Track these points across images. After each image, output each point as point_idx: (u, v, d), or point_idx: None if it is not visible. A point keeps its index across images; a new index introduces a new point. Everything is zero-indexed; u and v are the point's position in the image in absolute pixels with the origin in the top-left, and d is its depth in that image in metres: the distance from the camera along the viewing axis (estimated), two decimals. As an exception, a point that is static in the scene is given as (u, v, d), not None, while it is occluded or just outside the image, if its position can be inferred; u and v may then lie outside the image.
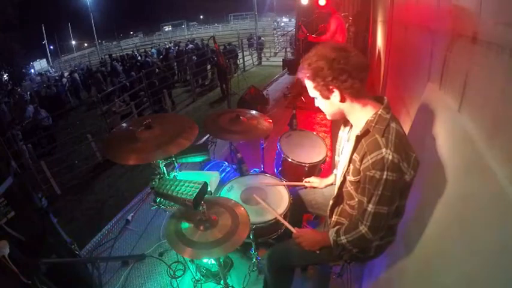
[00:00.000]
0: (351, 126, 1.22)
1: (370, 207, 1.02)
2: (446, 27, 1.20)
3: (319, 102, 1.13)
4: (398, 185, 0.98)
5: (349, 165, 1.12)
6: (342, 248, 1.16)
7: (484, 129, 0.85)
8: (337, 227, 1.19)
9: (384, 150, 0.95)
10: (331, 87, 1.02)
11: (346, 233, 1.13)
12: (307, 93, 1.13)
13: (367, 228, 1.05)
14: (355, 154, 1.08)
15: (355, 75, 0.99)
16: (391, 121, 1.01)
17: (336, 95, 1.03)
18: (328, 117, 1.18)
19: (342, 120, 1.26)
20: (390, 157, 0.94)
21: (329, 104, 1.09)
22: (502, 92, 0.77)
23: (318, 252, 1.26)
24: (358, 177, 1.07)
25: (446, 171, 1.04)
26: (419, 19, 1.73)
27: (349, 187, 1.16)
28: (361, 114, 1.07)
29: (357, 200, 1.14)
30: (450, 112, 1.10)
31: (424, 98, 1.40)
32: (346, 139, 1.26)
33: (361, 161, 1.03)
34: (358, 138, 1.06)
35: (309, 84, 1.08)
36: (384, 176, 0.95)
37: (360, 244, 1.13)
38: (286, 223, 1.40)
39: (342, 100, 1.05)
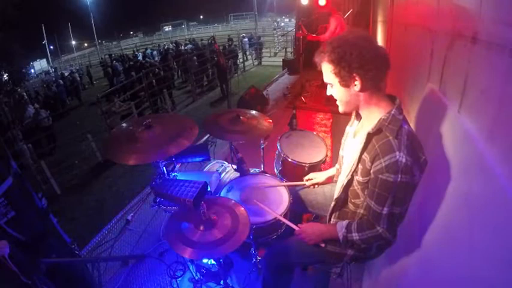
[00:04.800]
0: (359, 120, 1.19)
1: (385, 210, 1.01)
2: (446, 27, 1.20)
3: (336, 89, 1.06)
4: (410, 186, 0.98)
5: (357, 165, 1.09)
6: (351, 243, 1.15)
7: (484, 129, 0.85)
8: (346, 222, 1.15)
9: (397, 153, 0.94)
10: (354, 74, 0.97)
11: (360, 230, 1.10)
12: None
13: (385, 229, 1.04)
14: (365, 154, 1.05)
15: (381, 67, 0.98)
16: (404, 122, 1.00)
17: (357, 83, 0.99)
18: (341, 108, 1.12)
19: (350, 112, 1.21)
20: (404, 160, 0.93)
21: (346, 93, 1.04)
22: (502, 92, 0.77)
23: (323, 245, 1.24)
24: (367, 178, 1.05)
25: (446, 171, 1.04)
26: (419, 19, 1.73)
27: (356, 186, 1.14)
28: (374, 110, 1.05)
29: (362, 199, 1.13)
30: (450, 112, 1.10)
31: (424, 98, 1.40)
32: (352, 134, 1.23)
33: (372, 162, 1.01)
34: (370, 136, 1.03)
35: (329, 68, 1.03)
36: (398, 179, 0.95)
37: (374, 242, 1.11)
38: (287, 222, 1.39)
39: (362, 90, 1.01)
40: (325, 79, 1.08)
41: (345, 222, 1.16)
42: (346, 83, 1.01)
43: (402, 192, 0.98)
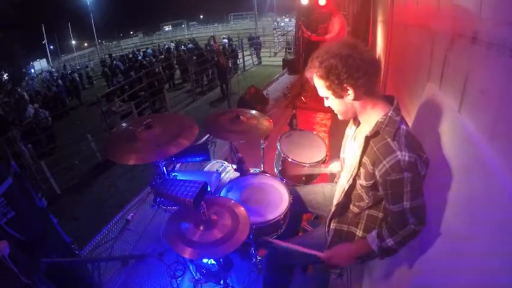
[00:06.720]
0: (358, 124, 1.19)
1: (406, 205, 0.98)
2: (446, 27, 1.20)
3: (331, 101, 1.08)
4: (419, 178, 0.97)
5: (359, 169, 1.08)
6: (387, 250, 1.09)
7: (484, 129, 0.85)
8: (375, 231, 1.11)
9: (398, 152, 0.94)
10: (345, 85, 0.98)
11: (392, 234, 1.06)
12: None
13: (415, 223, 1.01)
14: (364, 157, 1.05)
15: (370, 72, 0.97)
16: (401, 123, 1.00)
17: (350, 93, 1.00)
18: (340, 117, 1.14)
19: (350, 119, 1.23)
20: (407, 158, 0.93)
21: (342, 103, 1.06)
22: (502, 92, 0.77)
23: (359, 261, 1.22)
24: (371, 181, 1.05)
25: (446, 171, 1.04)
26: (419, 19, 1.73)
27: (359, 190, 1.13)
28: (371, 113, 1.05)
29: (367, 201, 1.12)
30: (450, 112, 1.10)
31: (424, 98, 1.40)
32: (352, 137, 1.23)
33: (373, 165, 1.00)
34: (367, 140, 1.03)
35: (320, 84, 1.04)
36: (405, 175, 0.94)
37: (410, 240, 1.06)
38: (311, 251, 1.27)
39: (356, 98, 1.01)
40: (320, 93, 1.09)
41: (374, 233, 1.12)
42: (339, 94, 1.02)
43: (415, 185, 0.96)
